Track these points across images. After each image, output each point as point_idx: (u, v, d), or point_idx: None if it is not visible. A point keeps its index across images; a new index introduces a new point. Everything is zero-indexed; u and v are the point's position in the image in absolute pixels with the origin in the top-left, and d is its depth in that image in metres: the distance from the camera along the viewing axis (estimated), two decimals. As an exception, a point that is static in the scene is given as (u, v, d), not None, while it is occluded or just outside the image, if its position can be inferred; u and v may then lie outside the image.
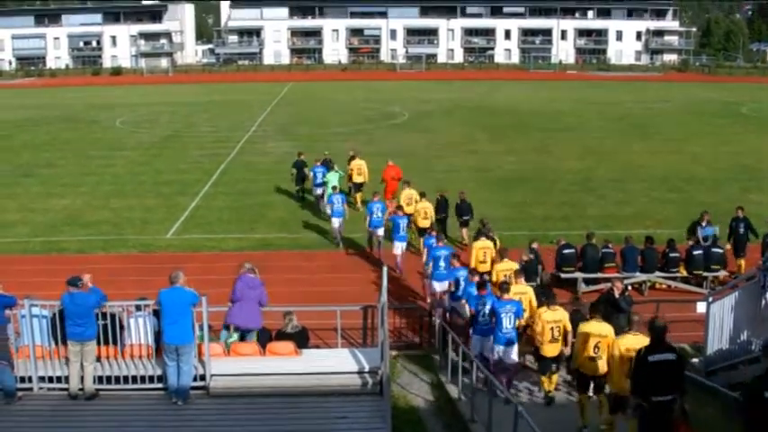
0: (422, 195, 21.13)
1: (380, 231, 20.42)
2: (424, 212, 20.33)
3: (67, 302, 10.05)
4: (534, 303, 13.25)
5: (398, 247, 19.46)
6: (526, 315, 13.01)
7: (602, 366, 10.45)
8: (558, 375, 12.46)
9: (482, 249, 16.45)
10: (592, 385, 10.79)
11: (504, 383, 11.68)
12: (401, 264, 19.44)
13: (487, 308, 12.57)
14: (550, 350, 11.86)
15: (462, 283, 14.50)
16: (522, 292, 13.39)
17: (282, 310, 12.29)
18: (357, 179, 25.45)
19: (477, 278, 13.90)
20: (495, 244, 17.11)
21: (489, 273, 15.31)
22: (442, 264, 15.96)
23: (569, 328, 11.81)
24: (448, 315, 14.83)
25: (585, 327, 10.76)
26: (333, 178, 23.95)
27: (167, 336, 10.00)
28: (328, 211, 22.22)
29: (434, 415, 12.38)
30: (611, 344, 10.15)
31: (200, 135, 44.03)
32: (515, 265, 14.85)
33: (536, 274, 16.41)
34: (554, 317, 11.81)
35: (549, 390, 12.06)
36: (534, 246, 17.03)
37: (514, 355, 12.41)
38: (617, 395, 9.96)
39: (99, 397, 10.07)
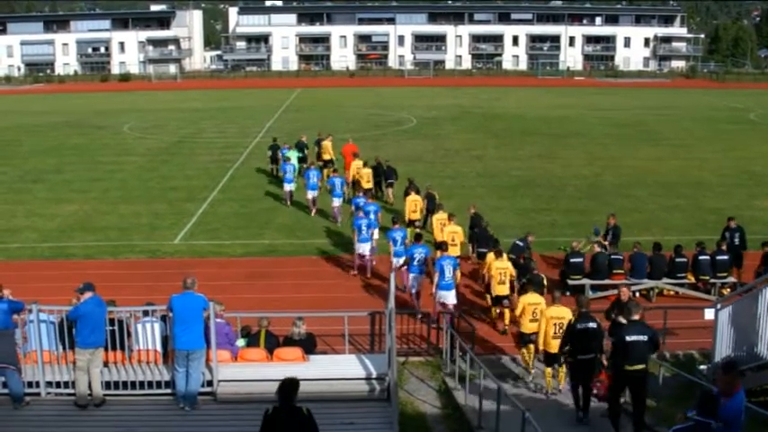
0: (364, 164, 26.93)
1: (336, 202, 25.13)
2: (367, 177, 26.20)
3: (89, 309, 9.94)
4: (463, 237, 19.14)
5: (336, 201, 24.57)
6: (457, 247, 18.25)
7: (537, 327, 13.18)
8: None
9: (413, 201, 21.86)
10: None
11: (448, 321, 14.60)
12: (338, 214, 24.56)
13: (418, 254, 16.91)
14: (500, 290, 16.02)
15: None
16: (455, 231, 18.76)
17: (290, 316, 12.29)
18: (326, 157, 30.41)
19: (397, 225, 19.04)
20: (434, 199, 22.46)
21: (420, 220, 21.83)
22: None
23: (514, 273, 16.13)
24: (455, 320, 14.90)
25: (526, 298, 13.92)
26: (291, 155, 28.85)
27: (179, 341, 9.95)
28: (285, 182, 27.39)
29: (442, 421, 12.38)
30: (542, 311, 13.08)
31: (208, 141, 44.14)
32: (446, 215, 19.63)
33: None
34: (501, 264, 16.09)
35: (504, 328, 15.93)
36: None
37: (453, 299, 15.88)
38: (547, 352, 12.65)
39: (106, 402, 10.07)
